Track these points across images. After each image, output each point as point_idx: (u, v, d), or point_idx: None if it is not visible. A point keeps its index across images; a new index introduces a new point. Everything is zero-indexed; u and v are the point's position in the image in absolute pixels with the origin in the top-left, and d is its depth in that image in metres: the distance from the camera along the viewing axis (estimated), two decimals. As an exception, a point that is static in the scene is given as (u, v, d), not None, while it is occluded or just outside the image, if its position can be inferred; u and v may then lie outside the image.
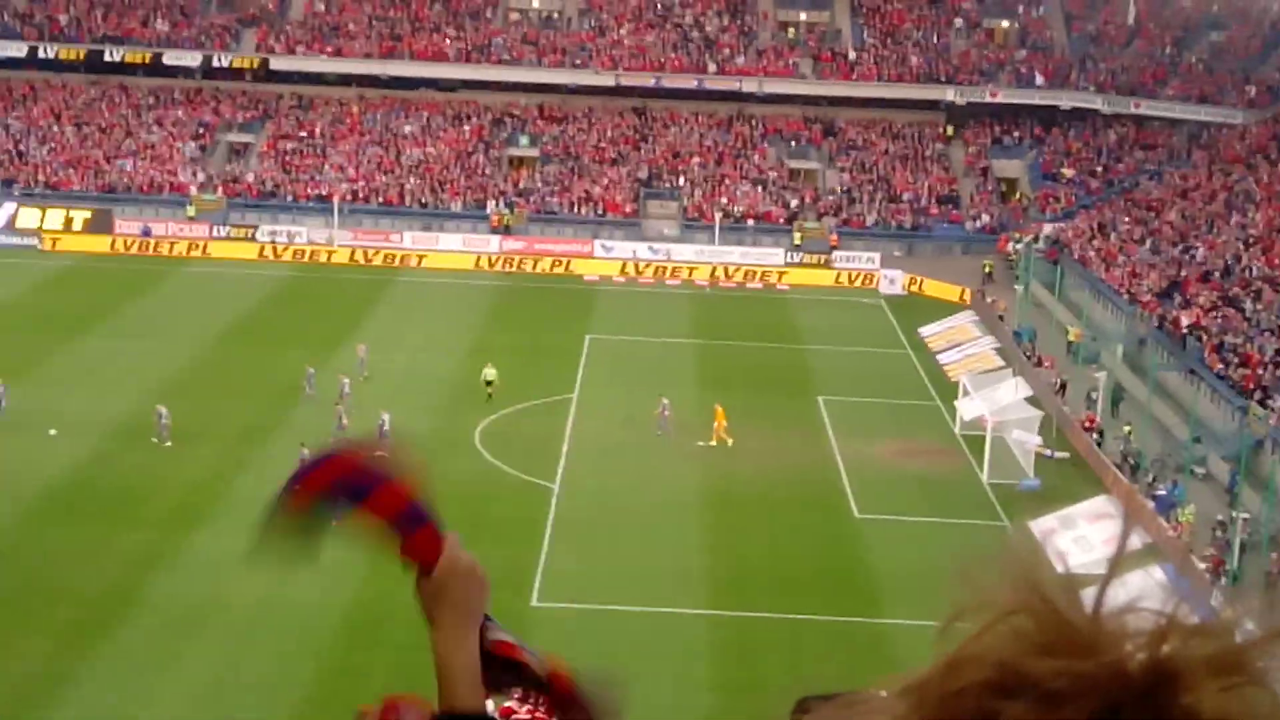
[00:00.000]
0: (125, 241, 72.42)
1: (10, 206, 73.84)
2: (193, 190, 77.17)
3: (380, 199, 77.62)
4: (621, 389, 51.44)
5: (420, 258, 72.03)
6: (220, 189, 77.59)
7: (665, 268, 72.43)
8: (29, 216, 73.39)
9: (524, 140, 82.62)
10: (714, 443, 46.45)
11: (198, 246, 72.38)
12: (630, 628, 33.99)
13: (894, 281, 70.58)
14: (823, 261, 73.55)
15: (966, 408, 48.76)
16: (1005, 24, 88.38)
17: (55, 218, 73.54)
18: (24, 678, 30.15)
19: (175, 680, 30.48)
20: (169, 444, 43.33)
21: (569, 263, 72.37)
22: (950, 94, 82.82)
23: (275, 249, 72.58)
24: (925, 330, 61.36)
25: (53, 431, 44.36)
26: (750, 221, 77.07)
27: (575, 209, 77.78)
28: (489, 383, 49.48)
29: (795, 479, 44.40)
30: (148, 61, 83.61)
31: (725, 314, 65.07)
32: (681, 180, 79.84)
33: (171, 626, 32.74)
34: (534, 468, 43.68)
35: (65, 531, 37.47)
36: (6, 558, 35.80)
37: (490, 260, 72.48)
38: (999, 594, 0.96)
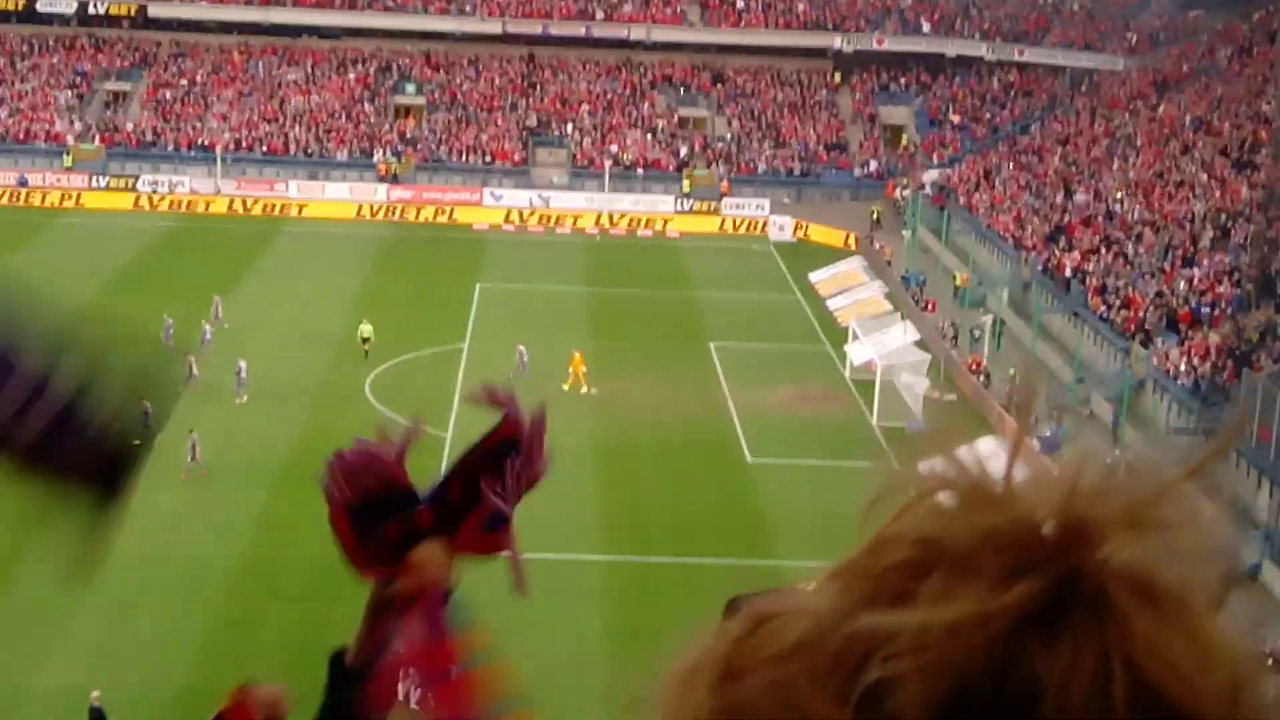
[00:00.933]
0: (0, 192, 70.67)
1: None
2: (70, 140, 75.45)
3: (264, 148, 76.40)
4: (513, 338, 51.22)
5: (302, 207, 71.06)
6: (98, 139, 75.93)
7: (554, 216, 72.14)
8: (-102, 168, 71.35)
9: (410, 88, 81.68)
10: (566, 387, 46.41)
11: (74, 197, 70.83)
12: (530, 575, 33.95)
13: (783, 228, 70.88)
14: (712, 209, 73.67)
15: (856, 352, 49.21)
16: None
17: (-74, 169, 71.57)
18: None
19: (65, 639, 29.99)
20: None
21: (457, 211, 71.81)
22: (837, 41, 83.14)
23: (155, 199, 71.24)
24: (814, 276, 61.69)
25: None
26: (640, 169, 76.94)
27: (464, 157, 77.15)
28: (365, 339, 48.51)
29: (688, 425, 44.57)
30: (20, 8, 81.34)
31: (616, 262, 64.99)
32: (570, 128, 79.45)
33: (59, 584, 32.14)
34: (426, 418, 43.40)
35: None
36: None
37: (377, 209, 71.73)
38: (918, 475, 0.95)
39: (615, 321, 54.94)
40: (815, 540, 36.16)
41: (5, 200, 70.02)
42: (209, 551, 33.71)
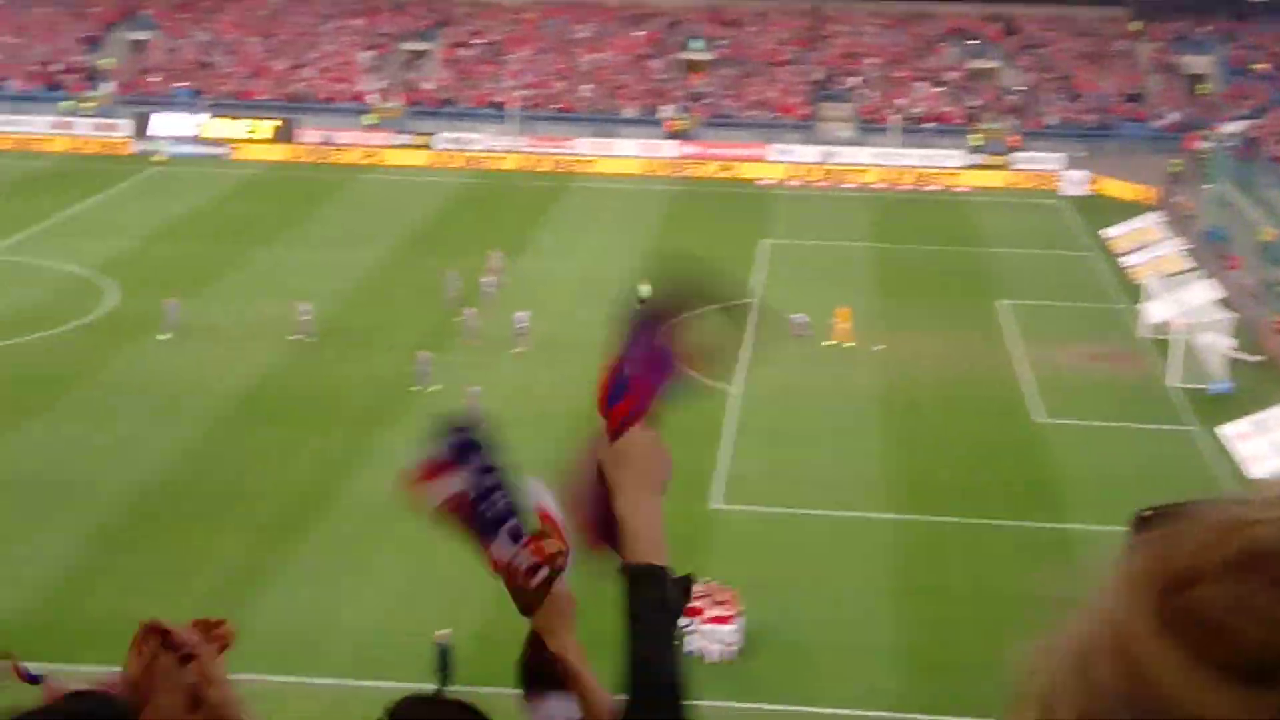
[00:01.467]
0: (307, 150, 73.96)
1: (199, 117, 75.85)
2: (371, 99, 78.37)
3: (555, 106, 77.96)
4: (797, 294, 51.28)
5: (590, 164, 72.29)
6: (399, 97, 78.65)
7: (840, 171, 71.74)
8: (217, 126, 75.31)
9: (698, 44, 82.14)
10: (832, 342, 46.26)
11: (376, 154, 73.63)
12: (813, 532, 34.21)
13: (1076, 182, 69.01)
14: (1002, 163, 72.17)
15: (1153, 310, 47.75)
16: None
17: (241, 127, 75.35)
18: (224, 576, 31.44)
19: (370, 578, 31.50)
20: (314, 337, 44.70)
21: (743, 167, 72.06)
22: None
23: (451, 156, 73.51)
24: (1109, 232, 60.04)
25: (162, 337, 45.70)
26: (928, 123, 75.82)
27: (749, 113, 77.29)
28: (643, 300, 48.12)
29: (975, 383, 44.03)
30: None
31: (903, 217, 64.33)
32: (857, 82, 78.76)
33: (366, 525, 33.76)
34: (712, 372, 43.88)
35: (259, 435, 38.80)
36: (205, 461, 37.21)
37: (664, 165, 72.50)
38: None
39: (901, 278, 54.48)
40: (1107, 504, 35.37)
41: (312, 158, 73.26)
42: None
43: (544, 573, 3.12)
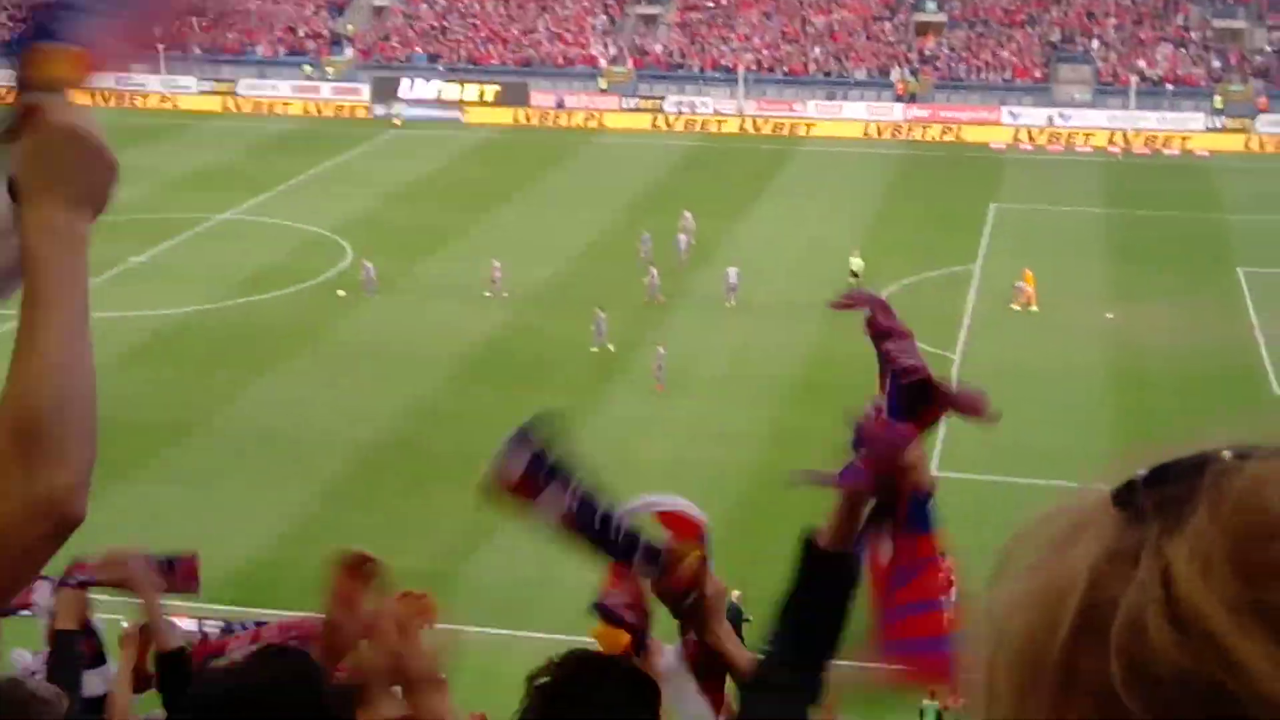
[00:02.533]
0: (540, 114, 75.08)
1: (436, 81, 77.61)
2: (603, 63, 79.11)
3: (784, 69, 77.64)
4: (1026, 260, 50.31)
5: (810, 126, 71.82)
6: (630, 61, 79.25)
7: (1076, 134, 69.97)
8: (453, 90, 76.95)
9: (931, 5, 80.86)
10: (1017, 307, 45.30)
11: (605, 118, 74.32)
12: (1035, 501, 33.56)
13: (1327, 147, 66.17)
14: (1247, 126, 69.51)
15: (1404, 282, 45.62)
16: None
17: (476, 91, 76.85)
18: (454, 532, 32.31)
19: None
20: (610, 347, 43.06)
21: (974, 130, 70.80)
22: (1399, -58, 76.33)
23: (681, 120, 73.82)
24: (1362, 199, 57.49)
25: (341, 293, 46.87)
26: (1169, 85, 73.42)
27: (982, 75, 75.87)
28: (854, 274, 46.05)
29: (1211, 354, 42.66)
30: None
31: (1139, 182, 62.51)
32: (1095, 43, 76.63)
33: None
34: (933, 338, 43.41)
35: (489, 393, 39.70)
36: (438, 420, 38.25)
37: (893, 128, 71.69)
38: None
39: (1136, 245, 52.99)
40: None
41: (546, 122, 74.35)
42: (724, 457, 35.13)
43: (693, 596, 3.33)
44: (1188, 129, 69.78)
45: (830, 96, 75.26)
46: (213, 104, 77.89)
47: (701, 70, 78.23)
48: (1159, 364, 41.97)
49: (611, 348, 42.29)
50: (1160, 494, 0.98)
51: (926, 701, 25.89)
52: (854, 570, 3.15)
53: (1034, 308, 45.76)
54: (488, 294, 46.95)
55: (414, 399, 39.38)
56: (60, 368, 1.93)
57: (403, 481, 34.63)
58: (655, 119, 73.92)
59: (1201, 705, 0.82)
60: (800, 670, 3.09)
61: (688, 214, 53.38)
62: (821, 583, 3.08)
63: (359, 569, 4.08)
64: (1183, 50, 75.56)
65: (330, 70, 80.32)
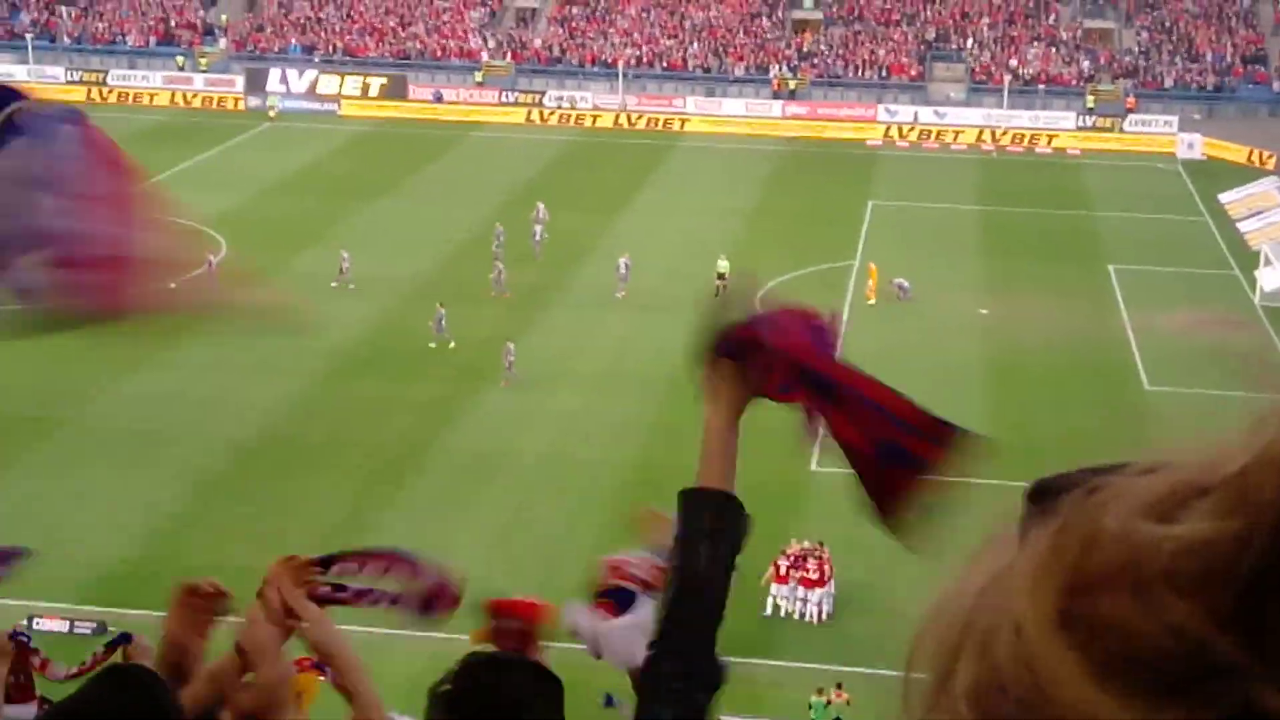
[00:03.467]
0: (416, 107, 74.42)
1: (311, 73, 76.59)
2: (483, 56, 78.62)
3: (664, 64, 77.75)
4: (903, 256, 50.82)
5: (684, 122, 71.99)
6: (509, 55, 78.84)
7: (951, 132, 70.88)
8: (329, 82, 76.00)
9: (808, 3, 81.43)
10: (870, 300, 46.02)
11: (484, 112, 73.87)
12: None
13: (1192, 146, 67.64)
14: (1116, 126, 70.90)
15: (1268, 277, 46.77)
16: None
17: (353, 84, 75.98)
18: (329, 523, 31.86)
19: (466, 527, 31.76)
20: (450, 343, 42.54)
21: (851, 127, 71.43)
22: (1261, -53, 78.27)
23: (556, 114, 73.58)
24: (1225, 197, 58.83)
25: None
26: (1041, 84, 74.65)
27: (860, 73, 76.56)
28: (721, 276, 45.45)
29: (1083, 348, 43.37)
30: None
31: (1012, 180, 63.47)
32: (970, 42, 77.70)
33: (462, 476, 34.10)
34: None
35: (363, 386, 39.25)
36: (313, 411, 37.73)
37: (771, 125, 72.08)
38: None
39: (1010, 241, 53.78)
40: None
41: (424, 115, 73.73)
42: (602, 455, 35.02)
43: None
44: (1059, 127, 70.99)
45: (709, 92, 75.49)
46: (81, 94, 76.14)
47: (581, 65, 78.07)
48: (1033, 358, 42.56)
49: (452, 344, 41.87)
50: (1039, 509, 0.99)
51: (814, 698, 26.06)
52: (737, 513, 2.99)
53: (871, 300, 46.37)
54: (334, 284, 46.52)
55: (285, 393, 38.79)
56: None
57: (274, 472, 34.11)
58: (533, 113, 73.60)
59: (1024, 713, 0.87)
60: (693, 658, 2.93)
61: (541, 205, 53.40)
62: (702, 533, 2.91)
63: (205, 597, 3.97)
64: (1054, 50, 76.87)
65: (203, 61, 78.93)
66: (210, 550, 29.11)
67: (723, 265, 46.18)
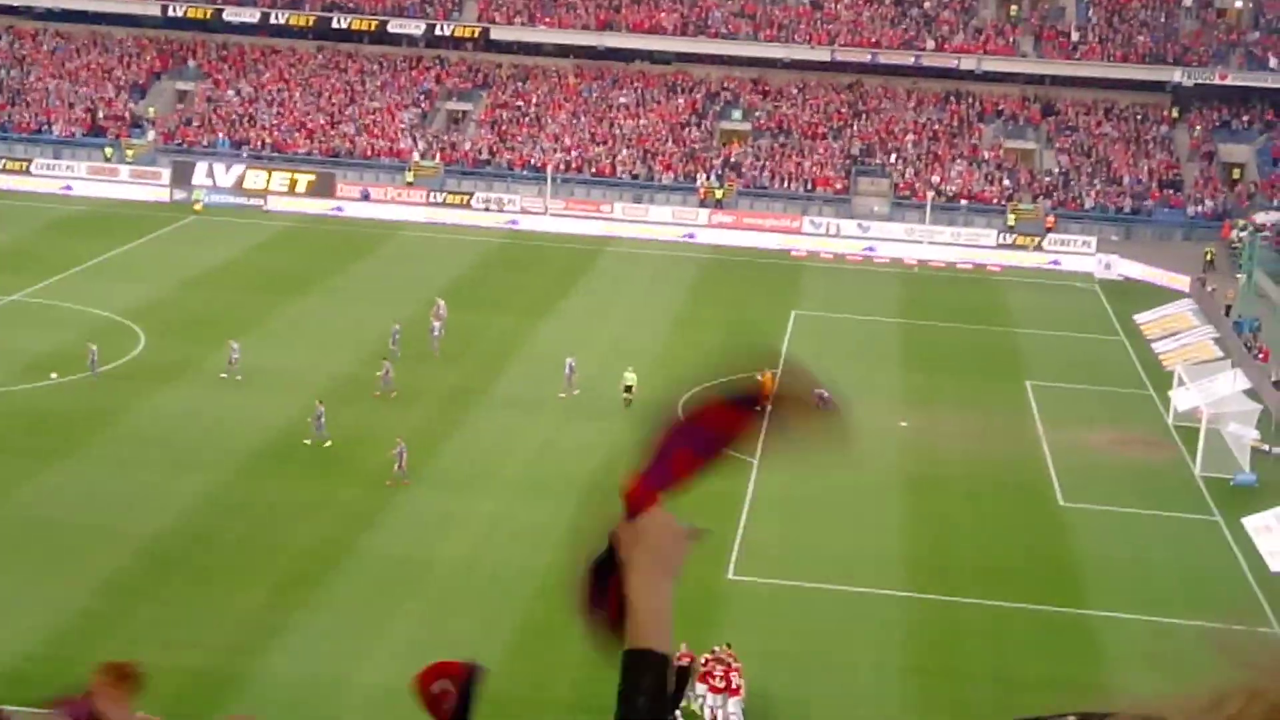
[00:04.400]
0: (344, 205, 74.39)
1: (239, 168, 76.45)
2: (413, 157, 78.90)
3: (593, 169, 78.36)
4: (824, 366, 51.14)
5: (624, 228, 72.50)
6: (438, 156, 79.18)
7: (874, 245, 71.76)
8: (256, 178, 75.89)
9: (737, 114, 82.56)
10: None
11: (412, 212, 73.97)
12: (827, 606, 33.95)
13: (1110, 266, 68.89)
14: (1036, 244, 72.13)
15: (1181, 398, 47.48)
16: (1238, 3, 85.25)
17: (280, 180, 75.91)
18: (241, 626, 31.34)
19: (382, 638, 31.33)
20: (326, 443, 41.97)
21: (776, 238, 72.15)
22: (1177, 75, 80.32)
23: (487, 216, 73.82)
24: (1141, 317, 59.87)
25: (54, 375, 45.71)
26: (963, 201, 75.91)
27: (786, 184, 77.52)
28: (628, 388, 45.93)
29: (1000, 463, 43.76)
30: (373, 29, 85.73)
31: (934, 294, 64.27)
32: (894, 158, 78.97)
33: (381, 583, 33.69)
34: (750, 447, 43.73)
35: (283, 485, 38.80)
36: (229, 509, 37.22)
37: (698, 233, 72.65)
38: (1265, 682, 0.96)
39: (930, 354, 54.36)
40: (1130, 591, 35.09)
41: (349, 213, 73.69)
42: (520, 560, 34.73)
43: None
44: (981, 244, 72.09)
45: (637, 199, 76.09)
46: (4, 182, 75.57)
47: (510, 168, 78.52)
48: (951, 470, 42.87)
49: (328, 444, 41.49)
50: None
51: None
52: (677, 673, 2.92)
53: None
54: (223, 375, 46.42)
55: (207, 490, 38.26)
56: None
57: (190, 574, 33.52)
58: (468, 215, 73.81)
59: None
60: None
61: (441, 301, 53.57)
62: (641, 690, 2.85)
63: (121, 677, 3.84)
64: (975, 168, 78.27)
65: (130, 153, 78.63)
66: (119, 651, 28.50)
67: (630, 377, 46.24)
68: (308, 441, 41.54)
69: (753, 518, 38.26)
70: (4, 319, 52.73)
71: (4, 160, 77.58)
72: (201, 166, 76.03)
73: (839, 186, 77.22)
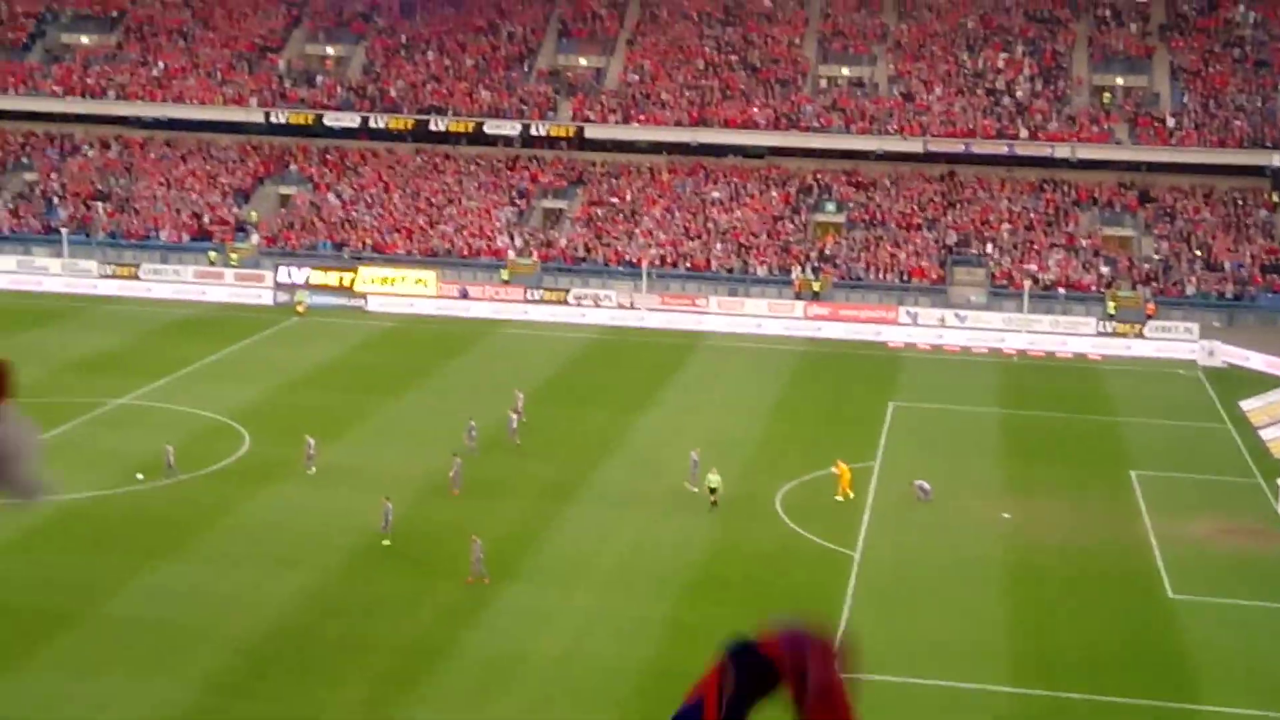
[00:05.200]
0: (444, 304, 75.34)
1: (340, 270, 77.64)
2: (510, 254, 79.82)
3: (687, 264, 78.78)
4: (924, 458, 50.77)
5: (720, 321, 72.71)
6: (535, 253, 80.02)
7: (972, 335, 71.34)
8: (358, 279, 77.04)
9: (830, 206, 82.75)
10: (839, 498, 45.84)
11: (510, 309, 74.72)
12: (930, 702, 33.43)
13: (1213, 353, 67.92)
14: (1137, 331, 71.31)
15: (1291, 486, 46.50)
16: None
17: (381, 280, 76.99)
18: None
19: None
20: (385, 541, 42.39)
21: (873, 329, 72.00)
22: (1276, 159, 79.48)
23: (584, 312, 74.40)
24: (1247, 404, 58.86)
25: (140, 476, 46.50)
26: (1061, 290, 75.33)
27: (881, 275, 77.43)
28: (713, 489, 45.74)
29: (1105, 553, 43.02)
30: (470, 130, 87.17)
31: (1033, 383, 63.67)
32: (990, 247, 78.66)
33: (478, 679, 33.67)
34: (835, 534, 43.49)
35: (381, 583, 39.01)
36: (329, 607, 37.46)
37: (794, 325, 72.69)
38: None
39: (1030, 444, 53.75)
40: (1244, 686, 34.23)
41: (448, 311, 74.60)
42: (618, 654, 34.60)
43: None
44: (1080, 332, 71.43)
45: (732, 292, 76.35)
46: (113, 288, 77.44)
47: (605, 264, 79.16)
48: (1054, 561, 42.23)
49: (386, 542, 41.54)
50: None
51: None
52: None
53: (840, 497, 46.17)
54: (311, 470, 47.36)
55: (309, 588, 38.57)
56: None
57: (290, 671, 33.72)
58: (565, 310, 74.46)
59: None
60: None
61: (519, 393, 54.00)
62: None
63: None
64: (1072, 255, 77.71)
65: (234, 257, 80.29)
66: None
67: (714, 480, 45.97)
68: (386, 542, 41.69)
69: (854, 611, 37.86)
70: (113, 421, 53.76)
71: (113, 266, 79.58)
72: (304, 269, 77.37)
73: (935, 276, 76.98)
